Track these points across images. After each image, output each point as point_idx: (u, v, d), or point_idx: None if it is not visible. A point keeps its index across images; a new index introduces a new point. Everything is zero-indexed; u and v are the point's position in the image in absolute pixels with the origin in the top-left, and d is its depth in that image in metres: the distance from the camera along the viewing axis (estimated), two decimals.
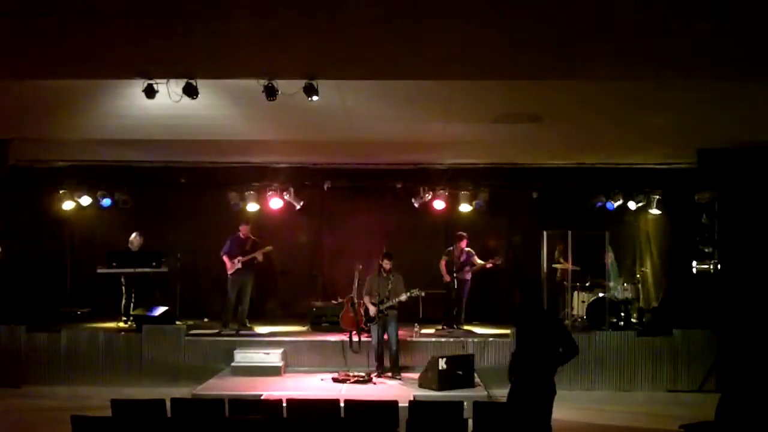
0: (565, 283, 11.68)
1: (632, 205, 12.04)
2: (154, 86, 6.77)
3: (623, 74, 6.80)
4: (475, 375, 9.20)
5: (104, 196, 11.85)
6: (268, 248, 11.43)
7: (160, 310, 11.06)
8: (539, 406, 5.82)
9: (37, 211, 12.17)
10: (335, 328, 10.74)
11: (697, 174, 10.83)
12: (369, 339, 9.98)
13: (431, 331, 11.05)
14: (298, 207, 12.29)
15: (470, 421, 6.23)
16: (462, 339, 10.45)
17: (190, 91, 6.76)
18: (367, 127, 9.01)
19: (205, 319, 11.98)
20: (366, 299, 9.78)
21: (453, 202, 12.17)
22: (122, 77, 6.93)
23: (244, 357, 9.93)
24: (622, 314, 11.26)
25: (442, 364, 8.80)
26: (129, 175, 12.06)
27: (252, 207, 12.08)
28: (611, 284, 11.42)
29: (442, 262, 11.56)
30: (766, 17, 5.46)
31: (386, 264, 9.72)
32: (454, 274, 11.31)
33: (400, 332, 9.95)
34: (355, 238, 12.80)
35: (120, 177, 12.02)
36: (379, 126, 8.96)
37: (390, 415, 6.27)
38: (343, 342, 10.26)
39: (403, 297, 9.53)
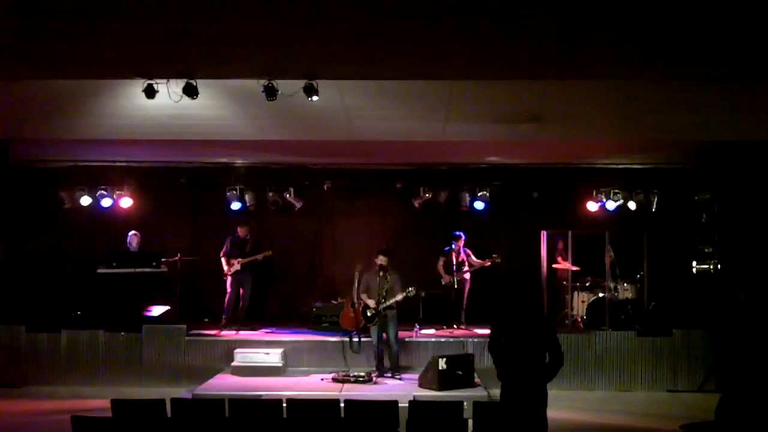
0: (564, 283, 11.69)
1: (632, 205, 12.03)
2: (154, 86, 6.77)
3: (623, 74, 6.80)
4: (475, 375, 9.20)
5: (104, 196, 11.83)
6: (268, 253, 11.44)
7: (160, 310, 11.04)
8: (534, 411, 5.75)
9: (37, 211, 12.16)
10: (335, 328, 10.73)
11: (697, 174, 10.82)
12: (369, 339, 9.98)
13: (431, 331, 11.05)
14: (298, 207, 12.29)
15: (470, 421, 6.24)
16: (462, 339, 10.46)
17: (190, 91, 6.75)
18: (367, 127, 9.00)
19: (205, 319, 11.98)
20: (363, 296, 9.77)
21: (453, 202, 12.17)
22: (122, 77, 6.93)
23: (244, 357, 9.93)
24: (622, 315, 11.26)
25: (442, 364, 8.80)
26: (129, 175, 12.06)
27: (251, 207, 12.07)
28: (611, 284, 11.42)
29: (440, 263, 11.56)
30: (765, 18, 5.47)
31: (379, 260, 9.70)
32: (454, 275, 11.30)
33: (400, 332, 9.96)
34: (355, 238, 12.79)
35: (120, 177, 12.01)
36: (379, 126, 8.96)
37: (390, 415, 6.27)
38: (343, 342, 10.26)
39: (399, 297, 9.51)
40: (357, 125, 8.83)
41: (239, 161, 11.93)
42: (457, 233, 11.60)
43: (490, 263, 11.51)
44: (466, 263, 11.51)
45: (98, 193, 11.82)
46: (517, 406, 5.72)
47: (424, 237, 12.83)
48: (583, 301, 11.43)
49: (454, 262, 11.35)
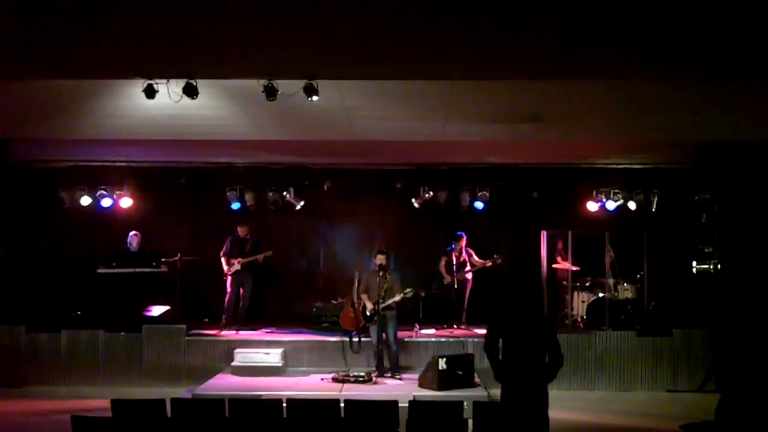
0: (564, 283, 11.69)
1: (632, 205, 12.03)
2: (154, 86, 6.77)
3: (623, 74, 6.80)
4: (475, 375, 9.19)
5: (104, 196, 11.83)
6: (268, 253, 11.44)
7: (160, 310, 11.04)
8: (535, 411, 5.74)
9: (37, 211, 12.16)
10: (335, 328, 10.73)
11: (697, 174, 10.81)
12: (369, 339, 9.98)
13: (431, 331, 11.05)
14: (298, 207, 12.29)
15: (470, 421, 6.23)
16: (462, 339, 10.46)
17: (190, 91, 6.75)
18: (367, 127, 9.01)
19: (205, 319, 11.98)
20: (363, 297, 9.78)
21: (453, 202, 12.17)
22: (122, 77, 6.93)
23: (244, 357, 9.93)
24: (622, 315, 11.26)
25: (442, 364, 8.80)
26: (129, 175, 12.06)
27: (251, 207, 12.08)
28: (611, 284, 11.42)
29: (442, 263, 11.56)
30: (765, 18, 5.47)
31: (378, 259, 9.71)
32: (454, 275, 11.30)
33: (400, 332, 9.96)
34: (355, 238, 12.79)
35: (120, 177, 12.02)
36: (379, 126, 8.96)
37: (390, 415, 6.27)
38: (343, 342, 10.26)
39: (397, 297, 9.51)
40: (357, 125, 8.83)
41: (239, 161, 11.93)
42: (459, 233, 11.60)
43: (490, 264, 11.50)
44: (468, 263, 11.51)
45: (98, 193, 11.82)
46: (518, 406, 5.72)
47: (424, 237, 12.83)
48: (583, 301, 11.43)
49: (455, 262, 11.35)
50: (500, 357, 5.88)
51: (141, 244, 11.69)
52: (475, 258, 11.58)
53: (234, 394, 8.09)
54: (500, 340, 5.90)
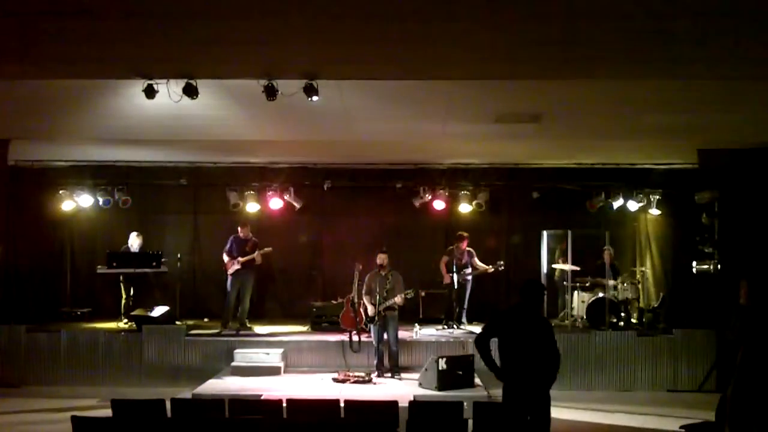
0: (565, 283, 11.69)
1: (632, 205, 12.04)
2: (154, 86, 6.77)
3: (623, 74, 6.80)
4: (475, 375, 9.19)
5: (104, 196, 11.84)
6: (268, 249, 11.43)
7: (160, 310, 11.06)
8: (538, 412, 5.75)
9: (37, 211, 12.16)
10: (335, 328, 10.73)
11: (698, 174, 10.82)
12: (369, 339, 9.98)
13: (431, 331, 11.05)
14: (298, 207, 12.30)
15: (470, 421, 6.24)
16: (462, 339, 10.46)
17: (190, 91, 6.75)
18: (367, 127, 9.01)
19: (205, 319, 11.98)
20: (365, 299, 9.78)
21: (453, 202, 12.17)
22: (122, 77, 6.93)
23: (244, 357, 9.94)
24: (622, 314, 11.26)
25: (442, 364, 8.81)
26: (129, 175, 12.06)
27: (252, 207, 12.08)
28: (611, 284, 11.42)
29: (443, 262, 11.55)
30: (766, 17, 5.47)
31: (379, 258, 9.71)
32: (454, 275, 11.30)
33: (400, 332, 9.96)
34: (355, 238, 12.78)
35: (120, 177, 12.02)
36: (379, 126, 8.96)
37: (390, 415, 6.27)
38: (343, 342, 10.26)
39: (398, 299, 9.51)
40: (357, 125, 8.83)
41: (239, 161, 11.93)
42: (460, 233, 11.58)
43: (493, 269, 11.46)
44: (470, 265, 11.47)
45: (98, 193, 11.83)
46: (520, 407, 5.72)
47: (424, 237, 12.82)
48: (583, 301, 11.43)
49: (455, 263, 11.34)
50: (501, 358, 5.88)
51: (142, 244, 11.70)
52: (477, 261, 11.55)
53: (234, 394, 8.09)
54: (493, 339, 5.90)
